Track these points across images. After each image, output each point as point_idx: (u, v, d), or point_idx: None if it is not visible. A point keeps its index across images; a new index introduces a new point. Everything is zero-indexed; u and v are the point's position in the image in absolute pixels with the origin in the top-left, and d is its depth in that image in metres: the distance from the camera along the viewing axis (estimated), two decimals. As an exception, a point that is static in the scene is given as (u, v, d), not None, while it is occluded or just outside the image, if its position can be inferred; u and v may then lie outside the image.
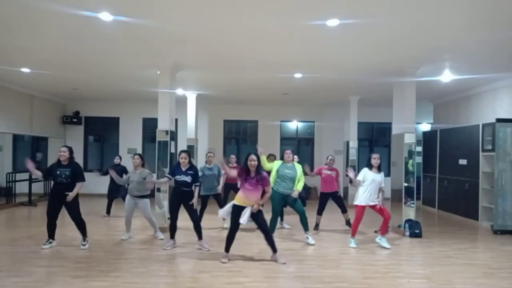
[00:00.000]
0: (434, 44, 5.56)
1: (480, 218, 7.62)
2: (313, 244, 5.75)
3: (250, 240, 5.80)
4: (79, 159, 11.60)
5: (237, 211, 4.78)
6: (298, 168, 5.85)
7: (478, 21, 4.64)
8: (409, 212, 6.68)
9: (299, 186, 5.76)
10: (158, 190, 6.70)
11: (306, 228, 5.85)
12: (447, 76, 7.50)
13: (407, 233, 6.48)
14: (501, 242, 6.22)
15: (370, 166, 5.72)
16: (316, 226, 6.85)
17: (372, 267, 4.78)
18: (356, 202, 5.71)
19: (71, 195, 5.14)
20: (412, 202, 6.71)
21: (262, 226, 4.88)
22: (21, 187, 9.38)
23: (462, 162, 8.30)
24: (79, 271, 4.42)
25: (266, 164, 5.75)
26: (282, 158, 5.97)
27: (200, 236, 5.46)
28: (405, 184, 6.72)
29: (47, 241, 5.36)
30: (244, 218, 4.70)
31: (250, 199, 4.77)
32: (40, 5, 4.30)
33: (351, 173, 5.68)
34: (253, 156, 4.84)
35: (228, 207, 4.89)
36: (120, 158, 8.31)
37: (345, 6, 4.22)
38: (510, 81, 7.62)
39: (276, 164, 5.82)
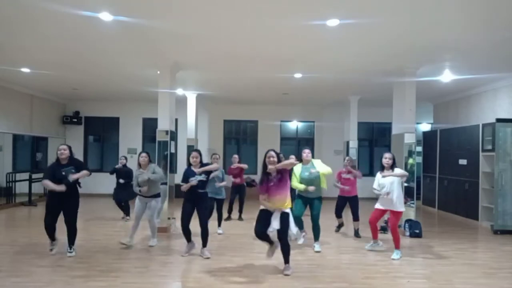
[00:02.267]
0: (434, 44, 5.56)
1: (480, 218, 7.62)
2: (319, 251, 5.40)
3: (251, 241, 5.79)
4: (79, 159, 11.62)
5: (264, 216, 4.38)
6: (317, 164, 5.32)
7: (478, 21, 4.64)
8: (409, 212, 6.67)
9: (324, 172, 5.26)
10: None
11: (316, 237, 5.48)
12: (447, 76, 7.50)
13: (407, 233, 6.48)
14: (501, 242, 6.22)
15: (382, 168, 5.25)
16: (338, 227, 6.76)
17: (372, 267, 4.78)
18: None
19: (75, 176, 4.82)
20: (412, 202, 6.71)
21: (282, 232, 4.37)
22: (21, 187, 9.39)
23: (462, 162, 8.30)
24: (79, 271, 4.42)
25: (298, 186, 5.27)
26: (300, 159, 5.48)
27: (205, 243, 5.10)
28: (405, 184, 6.71)
29: (51, 244, 5.12)
30: (275, 222, 4.31)
31: (276, 201, 4.33)
32: (40, 5, 4.30)
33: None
34: (272, 153, 4.35)
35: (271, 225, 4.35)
36: (126, 158, 7.82)
37: (345, 6, 4.22)
38: (510, 81, 7.62)
39: (296, 170, 5.28)
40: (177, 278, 4.41)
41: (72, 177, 4.81)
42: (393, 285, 4.20)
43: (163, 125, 6.79)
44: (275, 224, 4.30)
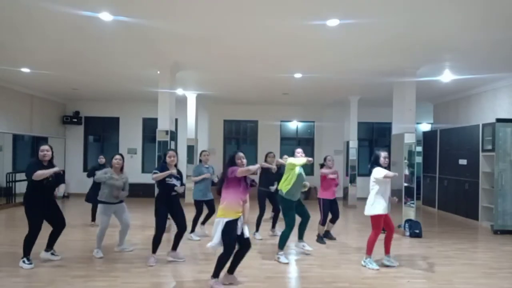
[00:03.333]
0: (434, 44, 5.56)
1: (480, 218, 7.62)
2: (311, 250, 5.34)
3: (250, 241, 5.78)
4: (79, 159, 11.67)
5: (232, 226, 3.87)
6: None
7: (478, 20, 4.64)
8: (409, 212, 6.68)
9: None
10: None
11: (301, 236, 5.33)
12: (447, 76, 7.50)
13: (407, 233, 6.49)
14: (501, 242, 6.23)
15: (379, 166, 4.81)
16: (320, 238, 6.04)
17: (372, 267, 4.78)
18: (375, 212, 4.69)
19: (61, 190, 4.72)
20: (412, 202, 6.71)
21: (247, 240, 4.05)
22: (21, 187, 9.34)
23: (462, 162, 8.30)
24: (79, 271, 4.42)
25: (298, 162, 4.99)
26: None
27: (175, 246, 4.91)
28: (405, 184, 6.72)
29: (29, 260, 4.61)
30: (246, 229, 4.01)
31: (241, 206, 3.98)
32: (40, 5, 4.30)
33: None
34: (241, 154, 4.07)
35: (217, 238, 3.85)
36: (105, 158, 7.20)
37: (345, 6, 4.22)
38: (510, 81, 7.62)
39: (297, 167, 5.01)
40: (177, 278, 4.41)
41: (60, 191, 4.83)
42: (393, 285, 4.20)
43: (163, 125, 6.79)
44: (246, 231, 3.99)
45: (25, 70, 7.51)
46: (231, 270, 4.10)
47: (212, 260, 4.91)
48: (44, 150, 4.60)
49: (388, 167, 4.86)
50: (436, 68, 6.92)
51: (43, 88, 9.76)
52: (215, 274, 3.93)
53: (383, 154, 4.87)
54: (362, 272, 4.58)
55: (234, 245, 3.92)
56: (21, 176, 9.27)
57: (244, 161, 4.06)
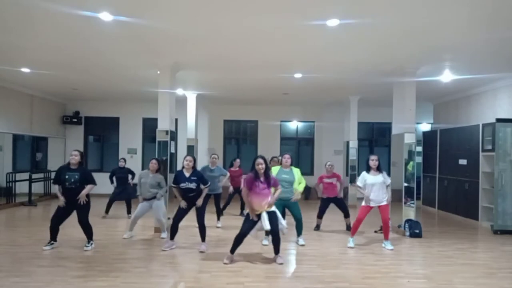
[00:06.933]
0: (434, 44, 5.56)
1: (480, 218, 7.62)
2: (303, 245, 5.73)
3: (250, 240, 5.79)
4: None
5: (251, 217, 4.80)
6: (296, 172, 5.76)
7: (478, 21, 4.64)
8: (409, 212, 6.68)
9: (300, 187, 5.68)
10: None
11: (299, 233, 5.86)
12: (447, 76, 7.50)
13: (407, 233, 6.49)
14: (501, 242, 6.22)
15: (368, 169, 5.69)
16: (317, 227, 6.93)
17: (372, 267, 4.78)
18: (362, 203, 5.73)
19: (82, 194, 5.13)
20: (412, 202, 6.71)
21: (273, 227, 4.78)
22: (21, 187, 9.38)
23: (462, 162, 8.30)
24: (79, 271, 4.42)
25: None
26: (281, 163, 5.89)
27: (203, 238, 5.41)
28: (405, 184, 6.72)
29: (49, 243, 5.29)
30: (266, 223, 4.67)
31: (263, 204, 4.75)
32: (40, 5, 4.30)
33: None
34: (260, 160, 4.78)
35: (259, 224, 4.80)
36: (125, 160, 8.14)
37: (345, 6, 4.22)
38: (510, 81, 7.62)
39: (274, 171, 5.70)
40: (177, 278, 4.41)
41: (81, 195, 5.16)
42: (393, 285, 4.20)
43: (163, 125, 6.78)
44: (266, 225, 4.67)
45: (25, 70, 7.51)
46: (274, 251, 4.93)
47: (210, 260, 4.93)
48: (73, 154, 5.21)
49: (379, 168, 5.66)
50: (436, 68, 6.92)
51: (43, 88, 9.76)
52: (230, 250, 4.88)
53: (371, 157, 5.73)
54: (362, 272, 4.58)
55: (244, 230, 4.80)
56: (21, 176, 9.35)
57: (258, 166, 4.77)
